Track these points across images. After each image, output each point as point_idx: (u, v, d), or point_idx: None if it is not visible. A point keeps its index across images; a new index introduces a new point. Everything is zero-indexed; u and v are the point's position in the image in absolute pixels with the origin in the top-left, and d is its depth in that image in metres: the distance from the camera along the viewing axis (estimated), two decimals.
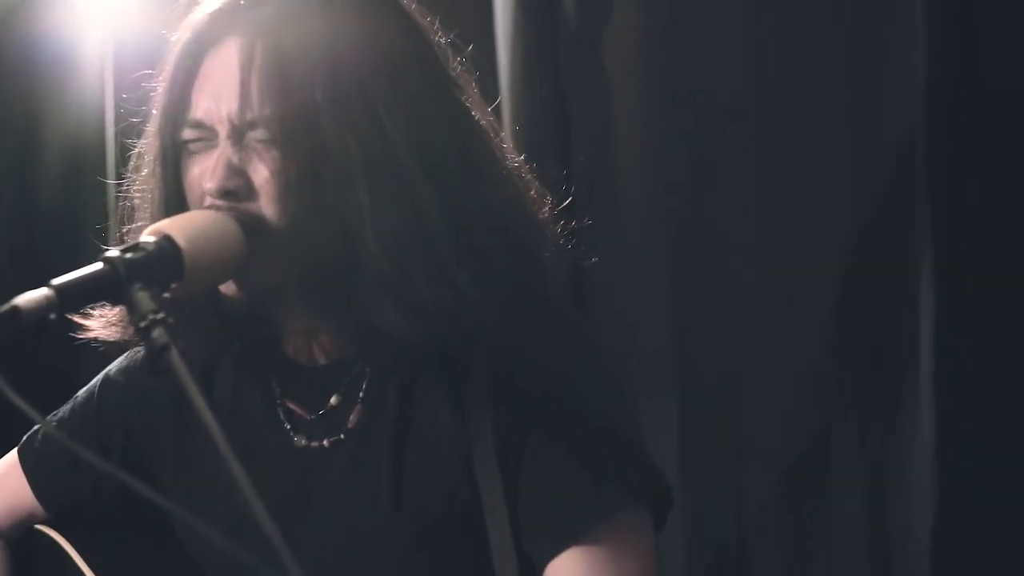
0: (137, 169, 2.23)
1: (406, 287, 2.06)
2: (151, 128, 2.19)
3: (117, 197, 2.28)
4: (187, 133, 2.13)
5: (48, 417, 2.45)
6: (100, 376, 2.44)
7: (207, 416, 1.80)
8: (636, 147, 3.21)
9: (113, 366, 2.42)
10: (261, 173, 2.08)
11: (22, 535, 2.47)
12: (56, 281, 1.86)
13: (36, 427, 2.45)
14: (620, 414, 2.20)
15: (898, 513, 3.02)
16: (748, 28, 3.13)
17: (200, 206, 2.11)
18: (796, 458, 3.12)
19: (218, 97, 2.10)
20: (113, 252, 1.92)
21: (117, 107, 3.54)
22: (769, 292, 3.13)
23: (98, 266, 1.91)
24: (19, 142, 3.73)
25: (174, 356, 1.83)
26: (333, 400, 2.23)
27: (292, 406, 2.26)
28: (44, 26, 3.68)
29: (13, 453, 2.47)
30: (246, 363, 2.29)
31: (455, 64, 2.22)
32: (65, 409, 2.45)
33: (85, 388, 2.45)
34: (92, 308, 2.11)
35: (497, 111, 2.33)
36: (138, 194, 2.22)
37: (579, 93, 3.25)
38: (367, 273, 2.07)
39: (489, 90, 2.29)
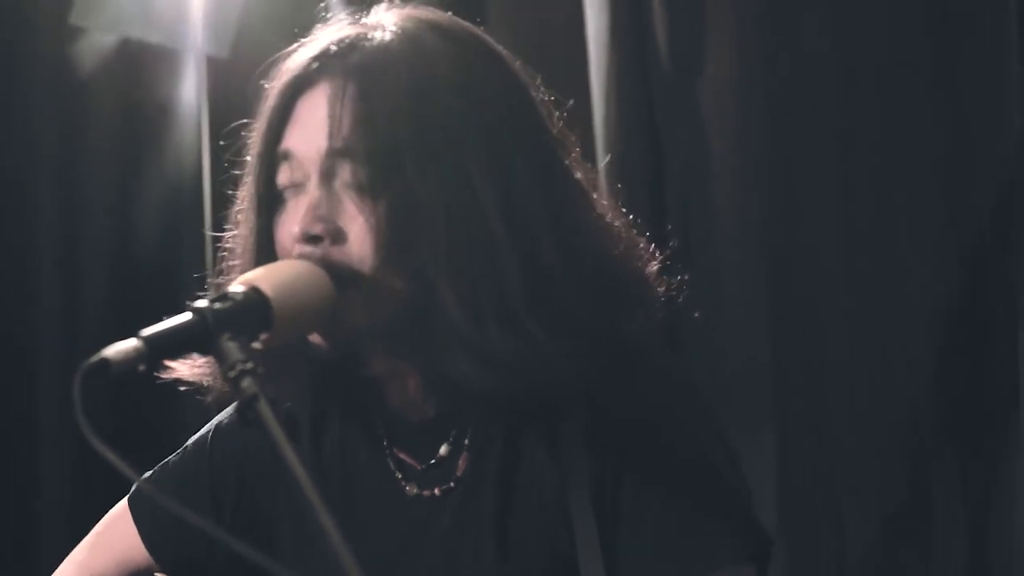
0: (235, 217, 2.24)
1: (479, 337, 2.04)
2: (247, 176, 2.21)
3: (215, 247, 2.30)
4: (280, 176, 2.14)
5: (158, 465, 2.46)
6: (211, 424, 2.43)
7: (296, 467, 1.80)
8: (731, 190, 3.19)
9: (224, 414, 2.40)
10: (347, 218, 2.08)
11: None
12: (145, 331, 1.86)
13: (145, 475, 2.45)
14: (721, 465, 2.17)
15: (1002, 558, 2.96)
16: (843, 64, 3.10)
17: (289, 251, 2.11)
18: (896, 501, 3.08)
19: (308, 134, 2.11)
20: (201, 302, 1.92)
21: (213, 157, 3.59)
22: (867, 331, 3.11)
23: (187, 316, 1.91)
24: (117, 194, 3.77)
25: (263, 406, 1.82)
26: (443, 450, 2.21)
27: (402, 455, 2.25)
28: (141, 77, 3.72)
29: (123, 502, 2.47)
30: (351, 413, 2.29)
31: (556, 120, 2.21)
32: (174, 458, 2.45)
33: (195, 436, 2.45)
34: (182, 359, 2.10)
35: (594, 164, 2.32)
36: (236, 242, 2.23)
37: (675, 141, 3.23)
38: (442, 323, 2.06)
39: (586, 144, 2.28)
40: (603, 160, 3.18)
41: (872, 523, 3.09)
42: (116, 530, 2.46)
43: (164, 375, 2.14)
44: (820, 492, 3.14)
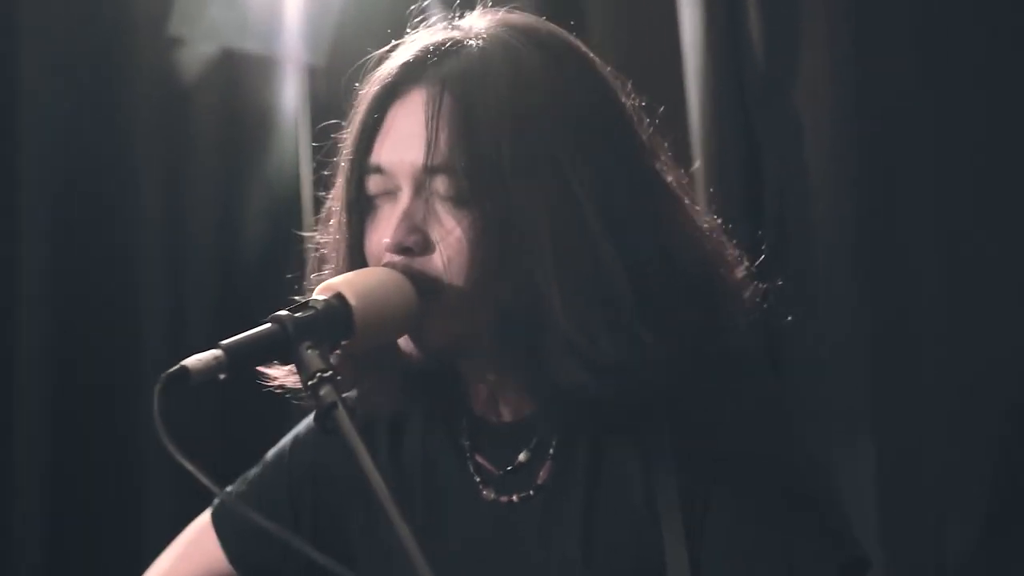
0: (326, 220, 2.25)
1: (589, 347, 2.03)
2: (339, 179, 2.20)
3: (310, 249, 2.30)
4: (371, 184, 2.14)
5: (240, 478, 2.49)
6: (289, 436, 2.45)
7: (373, 474, 1.80)
8: (828, 191, 3.14)
9: (302, 424, 2.42)
10: (440, 230, 2.07)
11: None
12: (225, 341, 1.87)
13: (228, 488, 2.48)
14: (811, 476, 2.15)
15: None
16: (936, 59, 3.05)
17: (379, 260, 2.11)
18: (997, 506, 3.02)
19: (402, 146, 2.10)
20: (282, 312, 1.93)
21: (313, 164, 3.61)
22: (966, 336, 3.05)
23: (267, 326, 1.92)
24: (220, 201, 3.80)
25: (341, 415, 1.83)
26: (522, 456, 2.21)
27: (481, 460, 2.24)
28: (240, 86, 3.75)
29: (206, 514, 2.49)
30: (435, 417, 2.29)
31: (647, 126, 2.20)
32: (254, 472, 2.47)
33: (275, 448, 2.47)
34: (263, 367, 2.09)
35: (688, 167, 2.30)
36: (327, 247, 2.24)
37: (770, 142, 3.20)
38: (550, 333, 2.04)
39: (681, 150, 2.26)
40: (697, 163, 3.15)
41: (973, 529, 3.04)
42: (200, 542, 2.48)
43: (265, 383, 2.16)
44: (920, 498, 3.09)
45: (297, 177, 3.71)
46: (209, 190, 3.78)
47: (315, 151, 2.30)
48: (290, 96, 3.73)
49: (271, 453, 2.47)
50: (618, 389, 2.05)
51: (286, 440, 2.46)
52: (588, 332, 2.03)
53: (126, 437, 3.65)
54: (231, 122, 3.76)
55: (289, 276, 2.31)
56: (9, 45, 3.68)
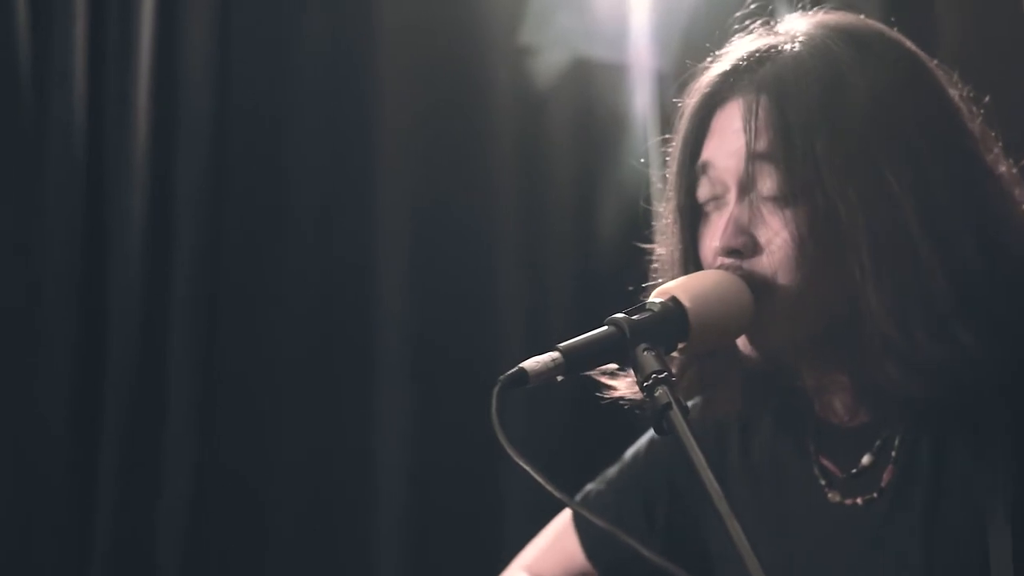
0: (660, 228, 2.29)
1: (909, 346, 2.02)
2: (668, 189, 2.25)
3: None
4: (700, 193, 2.18)
5: (599, 476, 2.54)
6: (647, 435, 2.50)
7: (706, 473, 1.82)
8: None
9: None
10: (766, 231, 2.09)
11: None
12: (563, 344, 1.92)
13: (588, 486, 2.55)
14: None
15: None
16: None
17: (712, 265, 2.14)
18: None
19: (724, 153, 2.14)
20: (619, 314, 1.97)
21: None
22: None
23: (604, 328, 1.96)
24: (575, 204, 3.85)
25: (675, 415, 1.85)
26: (865, 460, 2.21)
27: (826, 462, 2.25)
28: (592, 91, 3.80)
29: (568, 512, 2.56)
30: (783, 419, 2.31)
31: (975, 117, 2.17)
32: (613, 469, 2.53)
33: (632, 447, 2.52)
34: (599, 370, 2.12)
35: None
36: (662, 255, 2.28)
37: None
38: (869, 332, 2.04)
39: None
40: None
41: None
42: (561, 537, 2.56)
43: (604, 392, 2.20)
44: None
45: (648, 183, 3.74)
46: (564, 197, 3.83)
47: (664, 157, 2.34)
48: (640, 102, 3.76)
49: (629, 452, 2.52)
50: (940, 388, 2.04)
51: (643, 440, 2.51)
52: (906, 330, 2.03)
53: (487, 442, 3.72)
54: (584, 129, 3.80)
55: (630, 288, 2.33)
56: (367, 58, 3.81)
